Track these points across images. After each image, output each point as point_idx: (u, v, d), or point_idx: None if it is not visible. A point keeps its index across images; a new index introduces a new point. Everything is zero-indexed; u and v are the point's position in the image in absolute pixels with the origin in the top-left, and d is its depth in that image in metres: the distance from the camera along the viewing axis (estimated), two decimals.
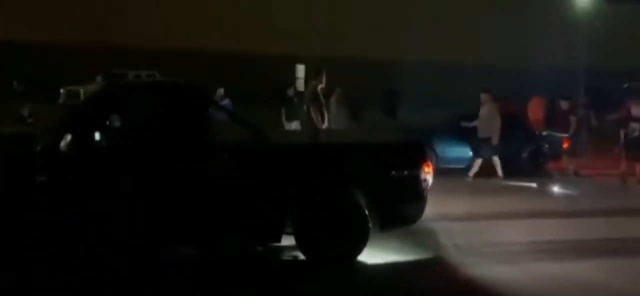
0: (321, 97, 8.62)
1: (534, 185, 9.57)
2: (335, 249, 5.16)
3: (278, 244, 5.30)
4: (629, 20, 25.92)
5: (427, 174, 5.51)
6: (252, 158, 5.24)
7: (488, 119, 9.40)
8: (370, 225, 5.24)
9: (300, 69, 22.50)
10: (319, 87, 8.62)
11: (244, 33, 24.60)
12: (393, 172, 5.47)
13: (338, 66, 20.24)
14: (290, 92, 12.39)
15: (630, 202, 8.47)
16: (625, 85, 22.30)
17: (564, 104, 11.01)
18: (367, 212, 5.22)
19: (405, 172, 5.51)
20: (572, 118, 10.54)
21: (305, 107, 8.70)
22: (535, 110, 12.23)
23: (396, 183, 5.46)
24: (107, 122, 5.25)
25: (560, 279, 5.02)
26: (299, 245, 5.21)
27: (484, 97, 9.64)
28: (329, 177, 5.32)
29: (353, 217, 5.23)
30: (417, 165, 5.50)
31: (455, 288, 4.92)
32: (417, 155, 5.63)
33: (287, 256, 5.45)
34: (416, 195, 5.50)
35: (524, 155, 10.45)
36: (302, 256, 5.25)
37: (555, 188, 9.60)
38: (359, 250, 5.25)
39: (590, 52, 22.52)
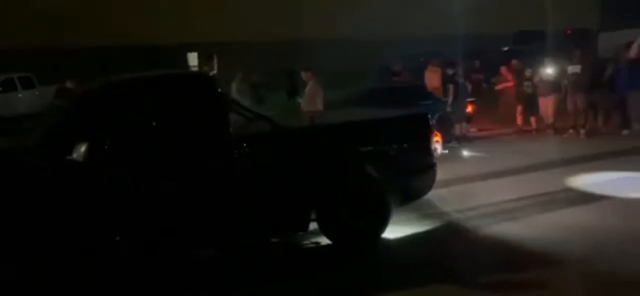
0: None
1: (446, 151, 9.40)
2: (359, 229, 5.06)
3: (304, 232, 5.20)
4: None
5: (436, 143, 5.67)
6: (270, 146, 5.01)
7: (311, 97, 8.97)
8: (391, 200, 5.14)
9: (192, 57, 21.67)
10: (211, 73, 8.26)
11: (133, 24, 23.08)
12: (406, 145, 5.44)
13: (242, 49, 19.69)
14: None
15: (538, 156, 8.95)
16: (505, 49, 23.94)
17: (449, 71, 11.47)
18: (386, 188, 5.12)
19: (417, 144, 5.53)
20: (450, 86, 10.97)
21: None
22: (431, 78, 12.51)
23: (410, 155, 5.45)
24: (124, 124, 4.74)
25: (561, 226, 5.38)
26: (323, 230, 5.09)
27: (305, 75, 9.21)
28: (346, 156, 5.21)
29: (373, 195, 5.11)
30: (428, 136, 5.62)
31: (472, 249, 5.05)
32: (425, 126, 5.68)
33: (308, 244, 5.31)
34: (429, 165, 5.58)
35: (433, 122, 10.63)
36: (323, 243, 5.15)
37: (466, 152, 9.80)
38: (383, 227, 5.16)
39: (481, 20, 23.92)
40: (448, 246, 5.23)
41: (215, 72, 8.28)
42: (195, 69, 20.90)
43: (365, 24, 22.97)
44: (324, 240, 5.16)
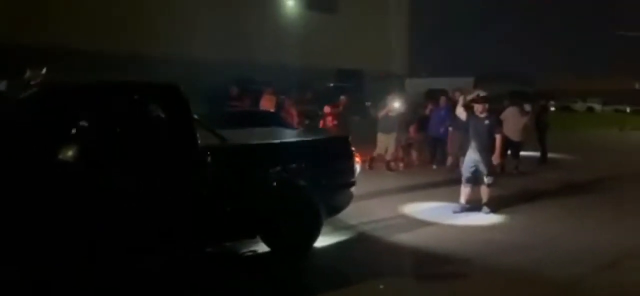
0: None
1: None
2: (295, 238, 5.52)
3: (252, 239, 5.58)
4: (332, 26, 29.42)
5: (356, 164, 6.29)
6: (224, 159, 5.21)
7: None
8: (322, 213, 5.67)
9: None
10: (33, 82, 7.33)
11: None
12: (335, 164, 6.05)
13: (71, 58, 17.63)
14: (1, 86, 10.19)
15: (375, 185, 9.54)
16: (331, 85, 25.53)
17: (288, 101, 11.98)
18: (319, 203, 5.61)
19: (343, 163, 6.14)
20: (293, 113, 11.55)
21: None
22: (267, 106, 12.76)
23: (337, 173, 6.04)
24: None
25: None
26: (263, 239, 5.50)
27: None
28: (287, 173, 5.58)
29: (309, 208, 5.60)
30: (351, 156, 6.22)
31: (389, 252, 5.93)
32: (348, 147, 6.28)
33: (247, 252, 5.69)
34: (351, 182, 6.18)
35: None
36: (259, 251, 5.60)
37: None
38: (316, 237, 5.70)
39: (302, 54, 24.89)
40: (363, 252, 5.95)
41: (38, 81, 7.30)
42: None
43: (193, 43, 22.53)
44: (262, 247, 5.61)
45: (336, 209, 6.08)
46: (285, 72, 22.12)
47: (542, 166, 12.73)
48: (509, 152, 11.39)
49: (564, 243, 6.43)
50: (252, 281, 5.07)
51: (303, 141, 6.57)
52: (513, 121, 11.38)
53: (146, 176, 4.76)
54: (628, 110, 44.99)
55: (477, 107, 7.81)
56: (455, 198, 7.98)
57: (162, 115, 4.97)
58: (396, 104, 11.46)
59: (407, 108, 11.91)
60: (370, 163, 11.38)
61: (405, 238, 6.48)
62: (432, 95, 16.13)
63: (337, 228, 6.52)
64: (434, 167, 11.91)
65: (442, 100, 12.38)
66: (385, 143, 11.47)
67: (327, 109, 12.59)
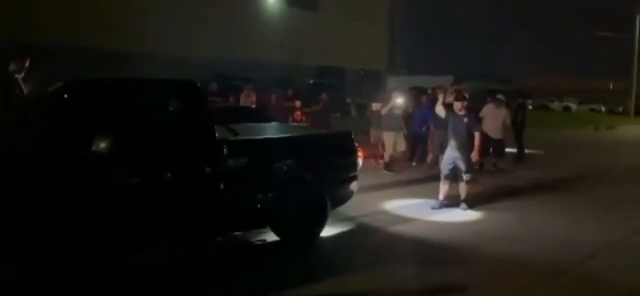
0: None
1: None
2: (303, 229, 5.79)
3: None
4: (312, 24, 29.44)
5: (360, 158, 6.52)
6: (238, 152, 5.34)
7: None
8: (328, 205, 5.92)
9: None
10: (17, 75, 7.18)
11: None
12: (340, 158, 6.33)
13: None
14: None
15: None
16: (311, 81, 25.54)
17: (274, 97, 11.98)
18: (326, 195, 5.88)
19: (347, 158, 6.41)
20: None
21: None
22: (246, 101, 12.73)
23: (342, 167, 6.33)
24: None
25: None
26: (273, 228, 5.75)
27: None
28: (295, 165, 5.75)
29: (317, 200, 5.86)
30: (354, 151, 6.47)
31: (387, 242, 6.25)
32: (352, 142, 6.54)
33: (256, 240, 5.95)
34: (354, 176, 6.45)
35: None
36: (269, 239, 5.86)
37: None
38: (322, 227, 5.98)
39: (282, 51, 24.91)
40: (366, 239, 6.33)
41: (22, 75, 7.17)
42: None
43: (175, 40, 22.33)
44: (271, 237, 5.85)
45: (340, 201, 6.36)
46: (265, 69, 22.09)
47: (519, 163, 12.88)
48: (491, 150, 11.52)
49: (542, 235, 6.61)
50: (261, 268, 5.28)
51: (310, 136, 6.81)
52: (492, 118, 11.51)
53: (170, 168, 4.91)
54: (603, 109, 45.94)
55: (456, 105, 7.88)
56: (434, 194, 8.04)
57: (183, 110, 5.17)
58: (400, 100, 10.82)
59: (410, 104, 11.84)
60: (387, 166, 10.90)
61: (387, 233, 6.56)
62: (412, 93, 16.16)
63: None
64: (414, 163, 11.98)
65: (424, 98, 12.44)
66: (394, 141, 10.89)
67: (297, 104, 12.60)
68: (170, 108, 5.25)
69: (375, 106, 11.79)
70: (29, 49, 7.60)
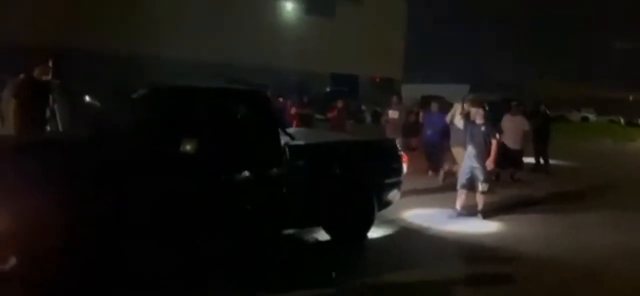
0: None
1: None
2: (353, 228, 6.18)
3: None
4: (328, 31, 29.42)
5: (404, 164, 6.81)
6: (298, 156, 5.72)
7: None
8: (376, 207, 6.29)
9: None
10: (44, 77, 7.22)
11: None
12: (389, 164, 6.68)
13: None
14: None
15: None
16: (328, 89, 25.49)
17: (290, 103, 11.97)
18: (374, 197, 6.27)
19: (393, 163, 6.74)
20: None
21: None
22: None
23: (388, 172, 6.65)
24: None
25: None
26: (325, 227, 6.15)
27: None
28: (348, 170, 6.21)
29: (367, 202, 6.27)
30: (399, 158, 6.79)
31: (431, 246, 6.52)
32: (397, 150, 6.89)
33: (309, 238, 6.35)
34: (399, 181, 6.77)
35: None
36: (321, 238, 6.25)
37: None
38: (369, 227, 6.34)
39: (298, 57, 24.90)
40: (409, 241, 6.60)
41: (49, 77, 7.21)
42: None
43: (193, 46, 22.44)
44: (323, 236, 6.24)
45: (386, 204, 6.69)
46: (280, 75, 22.10)
47: (540, 175, 12.52)
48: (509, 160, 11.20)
49: (562, 244, 6.64)
50: (315, 261, 5.76)
51: (359, 142, 7.27)
52: (510, 128, 11.24)
53: (248, 168, 5.37)
54: (622, 121, 45.08)
55: (474, 113, 7.75)
56: (450, 204, 7.90)
57: (255, 116, 5.61)
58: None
59: (402, 113, 11.77)
60: (446, 177, 10.56)
61: (408, 241, 6.63)
62: (427, 102, 15.98)
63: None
64: (430, 173, 11.80)
65: (435, 106, 12.09)
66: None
67: (293, 111, 12.49)
68: (245, 114, 5.68)
69: (392, 114, 11.66)
70: (46, 52, 7.64)
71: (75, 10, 20.40)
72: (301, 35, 27.90)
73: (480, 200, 7.75)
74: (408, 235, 6.82)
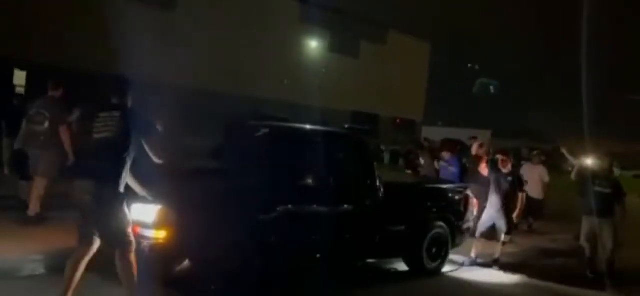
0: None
1: None
2: (431, 262, 6.81)
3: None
4: (351, 69, 29.64)
5: (474, 207, 7.45)
6: (390, 194, 6.34)
7: None
8: (450, 245, 7.00)
9: (20, 76, 19.24)
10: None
11: None
12: (460, 207, 7.31)
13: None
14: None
15: None
16: (346, 126, 25.55)
17: None
18: (448, 236, 6.95)
19: (463, 207, 7.35)
20: None
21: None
22: None
23: (460, 214, 7.26)
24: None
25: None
26: (406, 260, 6.85)
27: None
28: (430, 209, 6.99)
29: (443, 241, 6.92)
30: (470, 202, 7.42)
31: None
32: (468, 195, 7.45)
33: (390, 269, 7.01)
34: (470, 226, 7.48)
35: None
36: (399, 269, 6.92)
37: None
38: (444, 263, 7.03)
39: (319, 94, 25.02)
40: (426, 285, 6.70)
41: (60, 92, 7.36)
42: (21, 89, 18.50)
43: (218, 79, 22.79)
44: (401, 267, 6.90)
45: (457, 243, 7.25)
46: (300, 110, 22.23)
47: (561, 224, 12.10)
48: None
49: None
50: (396, 289, 6.38)
51: (439, 186, 7.87)
52: (531, 177, 10.98)
53: (352, 201, 6.05)
54: None
55: (501, 161, 7.62)
56: (465, 252, 7.77)
57: (357, 155, 6.39)
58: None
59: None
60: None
61: (425, 284, 6.65)
62: (448, 145, 15.74)
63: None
64: None
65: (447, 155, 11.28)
66: None
67: None
68: (354, 153, 6.41)
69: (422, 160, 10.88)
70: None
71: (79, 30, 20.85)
72: (324, 73, 28.13)
73: (499, 250, 7.61)
74: (424, 279, 6.74)
